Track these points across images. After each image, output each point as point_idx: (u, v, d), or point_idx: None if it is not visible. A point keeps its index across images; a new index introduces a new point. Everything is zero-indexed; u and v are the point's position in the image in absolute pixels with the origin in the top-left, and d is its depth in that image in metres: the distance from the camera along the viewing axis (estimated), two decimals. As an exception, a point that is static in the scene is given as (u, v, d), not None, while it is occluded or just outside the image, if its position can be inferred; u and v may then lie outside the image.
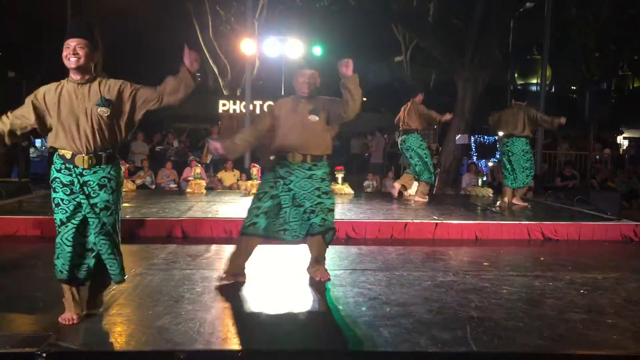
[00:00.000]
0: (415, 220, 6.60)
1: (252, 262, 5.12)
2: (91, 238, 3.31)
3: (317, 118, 4.12)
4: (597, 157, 15.18)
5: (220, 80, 20.78)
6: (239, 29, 18.37)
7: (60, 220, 3.29)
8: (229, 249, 5.58)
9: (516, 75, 27.38)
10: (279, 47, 14.97)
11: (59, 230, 3.30)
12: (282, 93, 13.60)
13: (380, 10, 14.16)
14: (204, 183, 9.74)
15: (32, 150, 14.82)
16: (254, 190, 9.19)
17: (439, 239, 6.37)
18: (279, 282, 4.49)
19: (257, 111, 15.98)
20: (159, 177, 11.89)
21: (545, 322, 3.55)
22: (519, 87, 25.37)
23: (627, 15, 21.30)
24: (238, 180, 11.33)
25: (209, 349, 3.03)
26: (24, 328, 3.34)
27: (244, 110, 14.61)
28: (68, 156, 3.24)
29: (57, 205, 3.29)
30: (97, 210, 3.25)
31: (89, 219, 3.27)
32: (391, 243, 6.15)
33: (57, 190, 3.28)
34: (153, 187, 11.56)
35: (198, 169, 10.09)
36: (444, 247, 5.93)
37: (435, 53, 13.63)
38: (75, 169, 3.24)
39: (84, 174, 3.24)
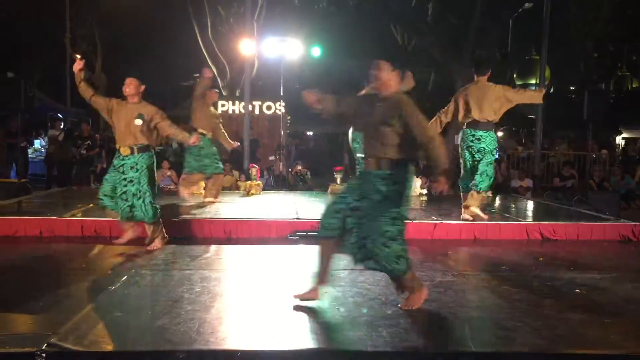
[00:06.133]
0: (413, 221, 6.59)
1: (251, 262, 5.14)
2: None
3: None
4: (594, 155, 15.17)
5: (219, 80, 20.78)
6: (238, 30, 18.37)
7: None
8: (228, 249, 5.62)
9: (515, 75, 27.41)
10: (277, 48, 14.96)
11: None
12: (282, 94, 13.59)
13: (379, 10, 14.19)
14: (203, 184, 9.74)
15: (30, 150, 14.80)
16: (252, 191, 9.22)
17: (437, 239, 6.37)
18: (278, 282, 4.49)
19: (257, 112, 15.98)
20: (158, 178, 11.87)
21: (544, 322, 3.56)
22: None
23: (626, 16, 21.35)
24: (237, 180, 11.33)
25: (208, 349, 3.03)
26: (24, 328, 3.35)
27: (243, 111, 14.60)
28: None
29: None
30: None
31: None
32: (390, 243, 6.14)
33: None
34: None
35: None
36: (442, 248, 5.94)
37: (434, 52, 13.65)
38: None
39: None
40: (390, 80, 3.64)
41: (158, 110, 5.41)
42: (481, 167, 6.49)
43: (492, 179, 6.70)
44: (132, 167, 5.30)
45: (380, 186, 3.55)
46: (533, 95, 6.91)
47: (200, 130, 7.69)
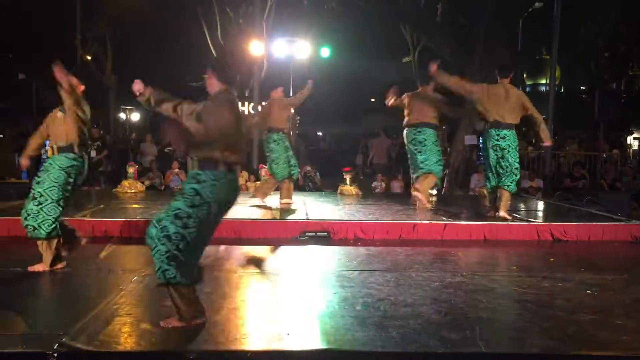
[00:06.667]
0: (423, 221, 6.59)
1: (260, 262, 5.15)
2: None
3: None
4: (605, 155, 15.09)
5: (229, 81, 20.81)
6: (247, 31, 18.40)
7: None
8: (237, 250, 5.63)
9: (525, 75, 27.29)
10: (287, 49, 15.01)
11: None
12: (291, 94, 13.62)
13: (388, 10, 14.16)
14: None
15: (42, 151, 14.90)
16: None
17: (447, 240, 6.35)
18: (288, 282, 4.50)
19: (266, 112, 16.06)
20: (168, 179, 11.93)
21: (555, 322, 3.54)
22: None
23: (637, 15, 21.18)
24: (247, 181, 11.35)
25: (218, 350, 3.05)
26: (35, 328, 3.37)
27: (252, 112, 14.66)
28: None
29: None
30: None
31: None
32: (400, 244, 6.14)
33: None
34: (162, 188, 11.61)
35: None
36: (452, 248, 5.92)
37: (444, 53, 13.60)
38: None
39: None
40: (209, 79, 3.56)
41: (77, 105, 4.66)
42: (510, 162, 6.65)
43: (518, 176, 6.81)
44: (45, 168, 4.58)
45: (187, 185, 3.34)
46: (539, 118, 6.94)
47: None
